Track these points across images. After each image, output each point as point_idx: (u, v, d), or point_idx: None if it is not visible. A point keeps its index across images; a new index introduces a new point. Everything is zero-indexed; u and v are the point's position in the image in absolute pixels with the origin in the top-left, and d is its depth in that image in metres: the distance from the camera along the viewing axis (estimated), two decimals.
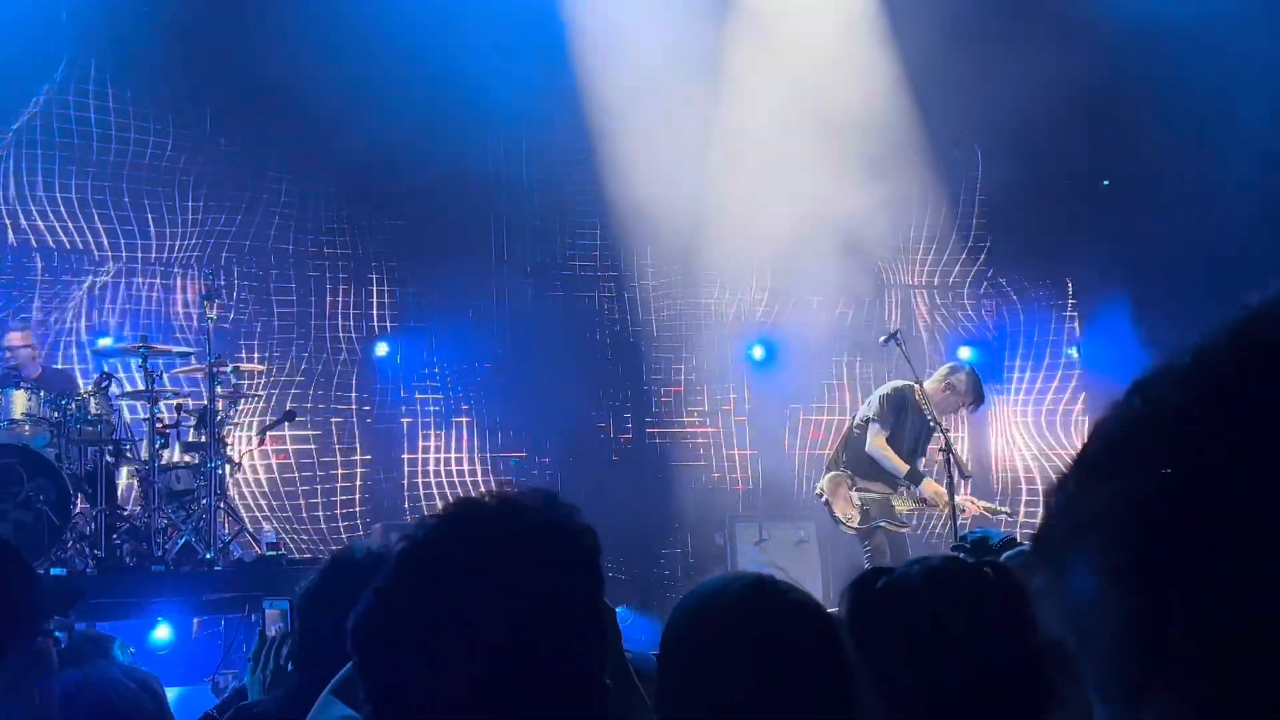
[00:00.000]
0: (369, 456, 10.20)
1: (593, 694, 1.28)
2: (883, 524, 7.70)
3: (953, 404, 7.91)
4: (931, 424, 7.77)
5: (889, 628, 1.73)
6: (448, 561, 1.26)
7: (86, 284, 9.48)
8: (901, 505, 7.76)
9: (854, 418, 8.19)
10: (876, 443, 7.75)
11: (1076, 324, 12.14)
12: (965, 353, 11.59)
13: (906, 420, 7.83)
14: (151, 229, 9.63)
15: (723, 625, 1.66)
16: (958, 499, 7.63)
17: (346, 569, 2.50)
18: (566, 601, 1.27)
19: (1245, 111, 10.07)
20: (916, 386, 7.82)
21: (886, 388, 8.00)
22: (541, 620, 1.24)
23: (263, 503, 9.58)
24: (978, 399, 7.95)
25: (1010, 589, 1.71)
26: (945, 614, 1.71)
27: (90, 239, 9.47)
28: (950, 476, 7.53)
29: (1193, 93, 10.06)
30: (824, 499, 7.94)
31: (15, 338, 8.15)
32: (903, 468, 7.72)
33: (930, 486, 7.69)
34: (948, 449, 7.54)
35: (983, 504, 8.18)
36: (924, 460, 8.02)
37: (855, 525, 7.75)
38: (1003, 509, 8.28)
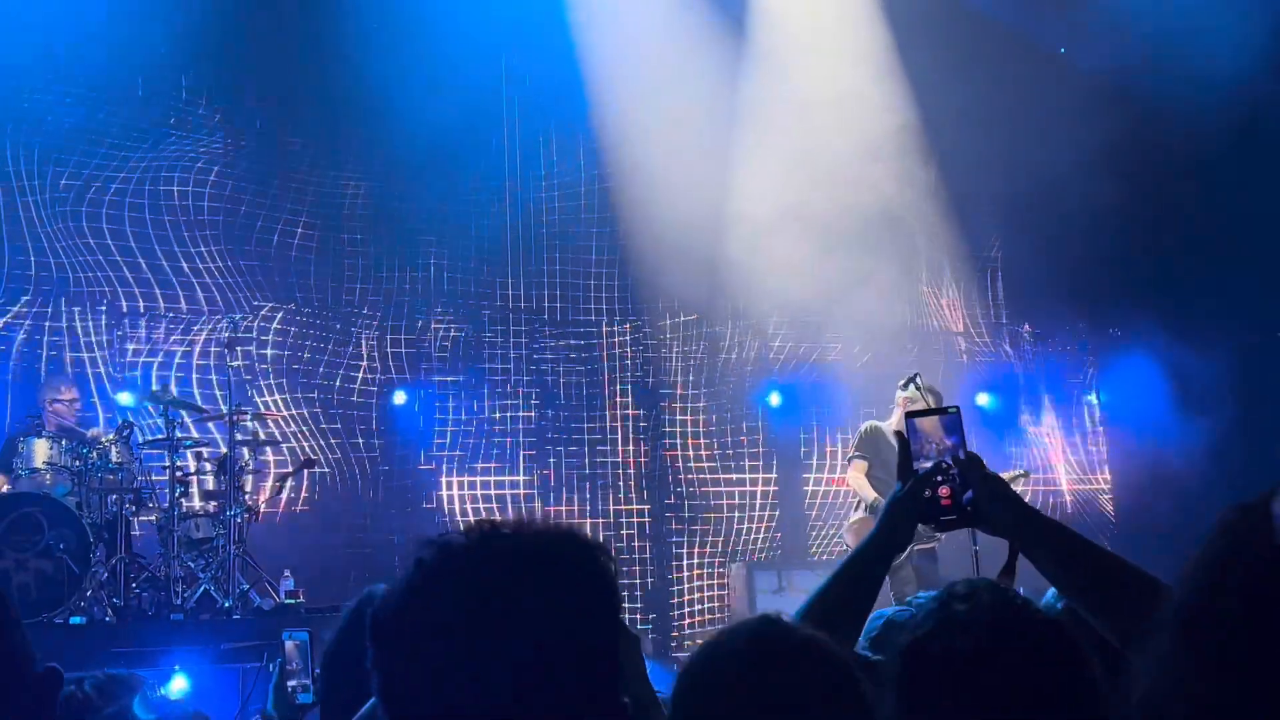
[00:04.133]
0: (389, 502, 10.19)
1: (611, 712, 1.29)
2: (915, 547, 7.60)
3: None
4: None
5: (954, 698, 1.62)
6: (474, 574, 1.28)
7: (110, 334, 9.54)
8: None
9: None
10: (850, 474, 8.02)
11: (1094, 369, 12.10)
12: (984, 399, 11.56)
13: (884, 450, 7.86)
14: (152, 278, 9.71)
15: (725, 675, 1.65)
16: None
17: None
18: (585, 618, 1.29)
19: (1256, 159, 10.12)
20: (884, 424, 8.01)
21: (861, 427, 8.18)
22: (561, 636, 1.26)
23: (282, 549, 9.57)
24: (919, 394, 7.72)
25: (1071, 640, 1.63)
26: (1013, 679, 1.60)
27: (115, 286, 9.55)
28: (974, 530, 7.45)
29: (1211, 141, 10.09)
30: (848, 546, 7.94)
31: (68, 391, 8.22)
32: (871, 495, 7.76)
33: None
34: None
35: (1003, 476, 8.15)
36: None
37: None
38: (1019, 471, 8.32)
